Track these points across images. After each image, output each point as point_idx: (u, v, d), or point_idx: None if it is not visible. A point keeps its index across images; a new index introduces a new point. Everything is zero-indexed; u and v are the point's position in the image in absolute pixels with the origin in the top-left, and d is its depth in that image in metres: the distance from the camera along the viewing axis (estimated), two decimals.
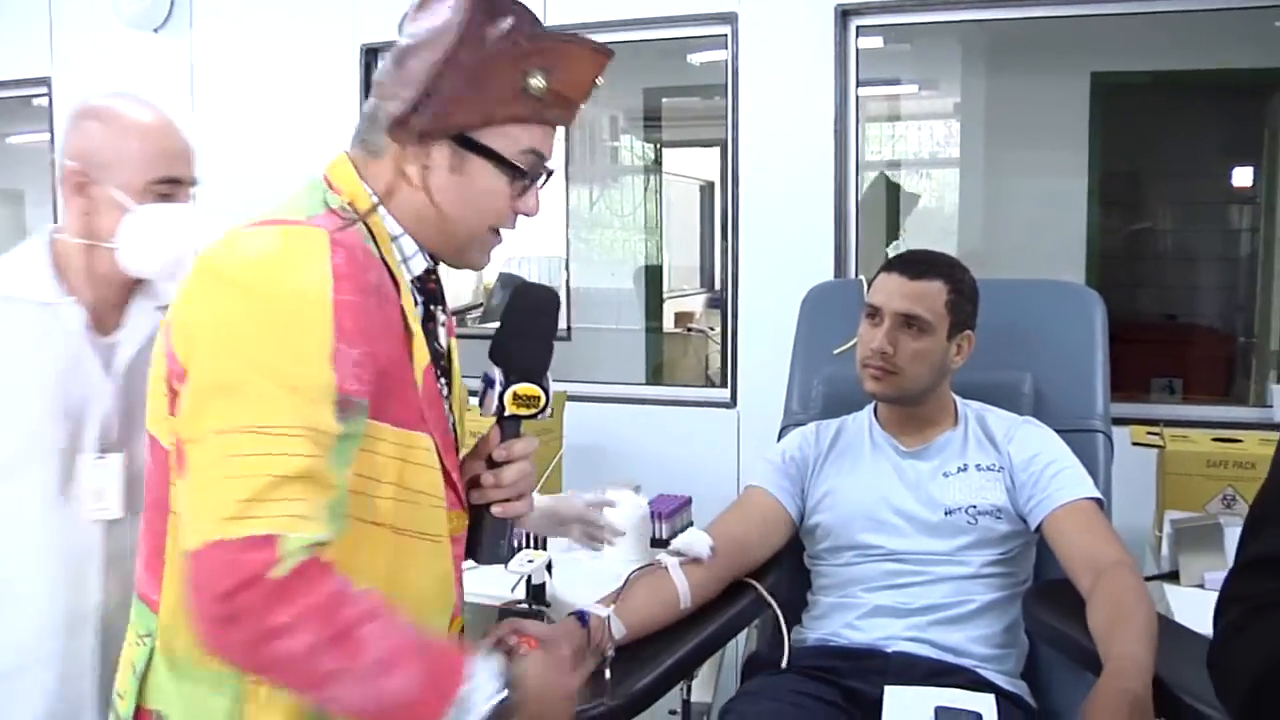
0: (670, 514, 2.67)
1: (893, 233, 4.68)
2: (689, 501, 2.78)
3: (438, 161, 1.14)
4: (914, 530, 1.82)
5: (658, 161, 5.82)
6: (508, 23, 1.12)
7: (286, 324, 1.02)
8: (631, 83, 5.29)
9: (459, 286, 6.44)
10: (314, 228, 1.07)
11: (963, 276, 1.89)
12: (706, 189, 6.56)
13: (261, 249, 1.06)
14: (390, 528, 1.13)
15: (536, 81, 1.11)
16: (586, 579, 2.17)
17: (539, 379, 1.24)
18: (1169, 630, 1.58)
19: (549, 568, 2.24)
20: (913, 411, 1.91)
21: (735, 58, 2.97)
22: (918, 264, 1.88)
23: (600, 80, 1.18)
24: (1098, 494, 1.78)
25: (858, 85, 2.93)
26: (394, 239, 1.18)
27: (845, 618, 1.81)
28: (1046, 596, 1.74)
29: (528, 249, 6.27)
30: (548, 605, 2.15)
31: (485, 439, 1.27)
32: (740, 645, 2.08)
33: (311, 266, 1.03)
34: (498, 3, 1.13)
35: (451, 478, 1.20)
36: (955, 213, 5.14)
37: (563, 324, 5.34)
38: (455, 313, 6.14)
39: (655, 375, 5.24)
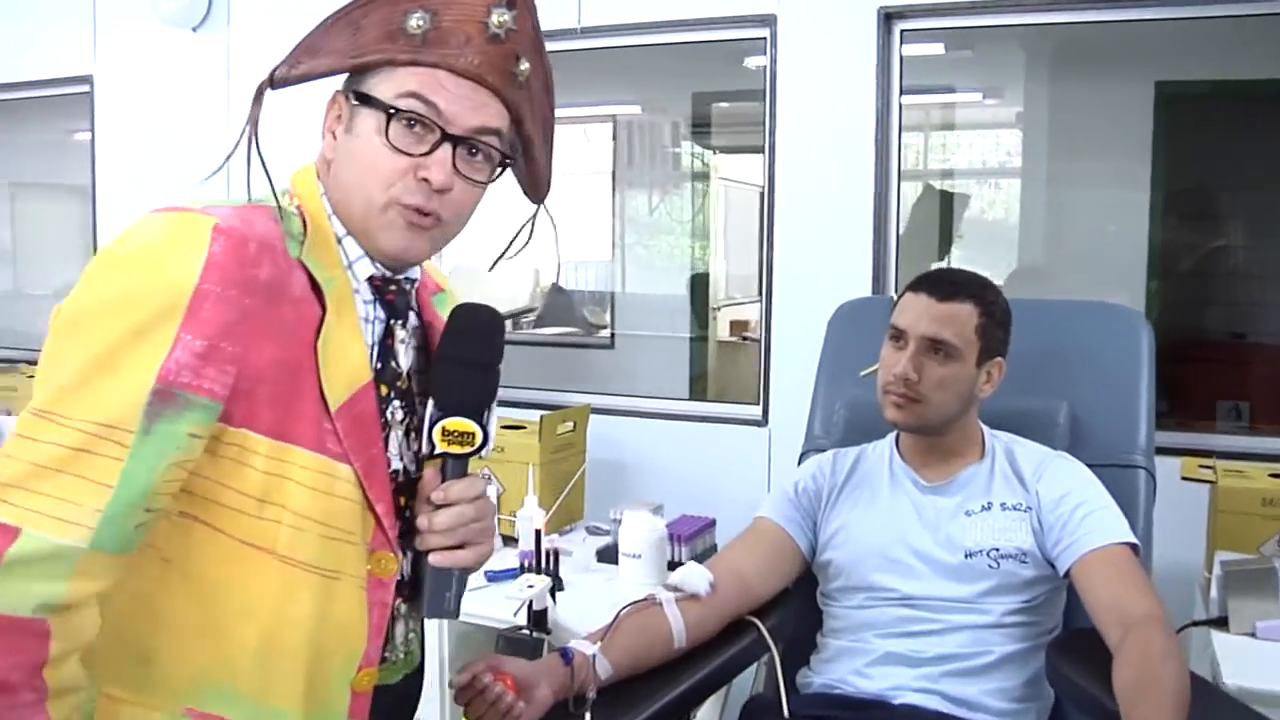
0: (691, 536, 2.56)
1: (945, 247, 4.52)
2: (712, 524, 2.67)
3: (339, 127, 1.09)
4: (931, 573, 1.70)
5: (705, 167, 5.72)
6: None
7: (125, 305, 0.96)
8: (681, 88, 5.19)
9: (515, 289, 6.41)
10: (202, 215, 1.00)
11: (995, 299, 1.76)
12: (765, 196, 6.42)
13: (140, 232, 1.00)
14: (273, 554, 1.02)
15: (417, 20, 1.04)
16: (596, 605, 2.07)
17: (475, 413, 1.11)
18: (1203, 693, 1.44)
19: (553, 593, 2.15)
20: (936, 442, 1.78)
21: (774, 61, 2.85)
22: (947, 284, 1.75)
23: (503, 15, 1.06)
24: (1133, 539, 1.63)
25: (901, 92, 2.80)
26: (339, 240, 1.11)
27: (854, 664, 1.69)
28: (1071, 648, 1.61)
29: (582, 253, 6.23)
30: (548, 632, 2.05)
31: (424, 478, 1.14)
32: (746, 687, 1.97)
33: (182, 252, 0.97)
34: None
35: (376, 510, 1.08)
36: (1015, 225, 4.97)
37: (605, 332, 5.32)
38: (506, 317, 6.19)
39: (697, 385, 5.13)
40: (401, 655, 1.18)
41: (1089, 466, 1.77)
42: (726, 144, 5.62)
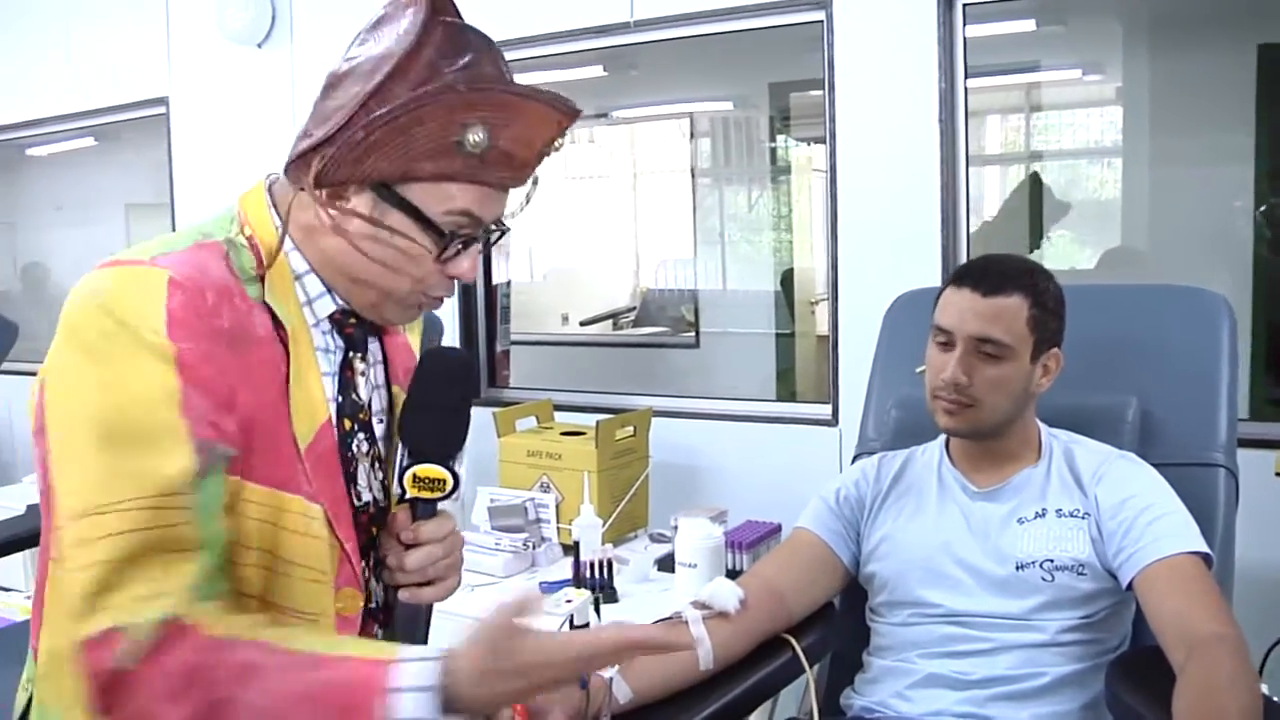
0: (753, 543, 2.47)
1: (1036, 237, 4.32)
2: (777, 529, 2.57)
3: (356, 207, 1.02)
4: (978, 587, 1.57)
5: (784, 158, 5.58)
6: (464, 60, 0.99)
7: (121, 376, 0.93)
8: (759, 79, 5.08)
9: (615, 289, 6.38)
10: (153, 268, 0.96)
11: (1045, 286, 1.61)
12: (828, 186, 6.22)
13: (93, 292, 0.96)
14: (259, 599, 1.02)
15: (475, 136, 0.98)
16: (649, 618, 1.99)
17: (445, 459, 1.10)
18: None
19: (596, 606, 2.07)
20: (990, 445, 1.65)
21: (831, 46, 2.73)
22: (991, 276, 1.59)
23: (560, 142, 1.03)
24: (1204, 548, 1.47)
25: (967, 74, 2.64)
26: (297, 277, 1.07)
27: (896, 685, 1.57)
28: (1133, 669, 1.45)
29: (673, 251, 6.16)
30: None
31: (394, 517, 1.15)
32: (792, 705, 1.86)
33: (145, 311, 0.94)
34: (460, 38, 1.00)
35: (347, 550, 1.07)
36: (1115, 208, 4.74)
37: (692, 332, 5.23)
38: (606, 317, 6.19)
39: (784, 382, 5.00)
40: None
41: (1161, 466, 1.61)
42: (812, 135, 5.48)
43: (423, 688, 0.86)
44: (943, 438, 1.73)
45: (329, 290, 1.08)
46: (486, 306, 3.43)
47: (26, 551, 2.74)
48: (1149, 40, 4.28)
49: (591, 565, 2.28)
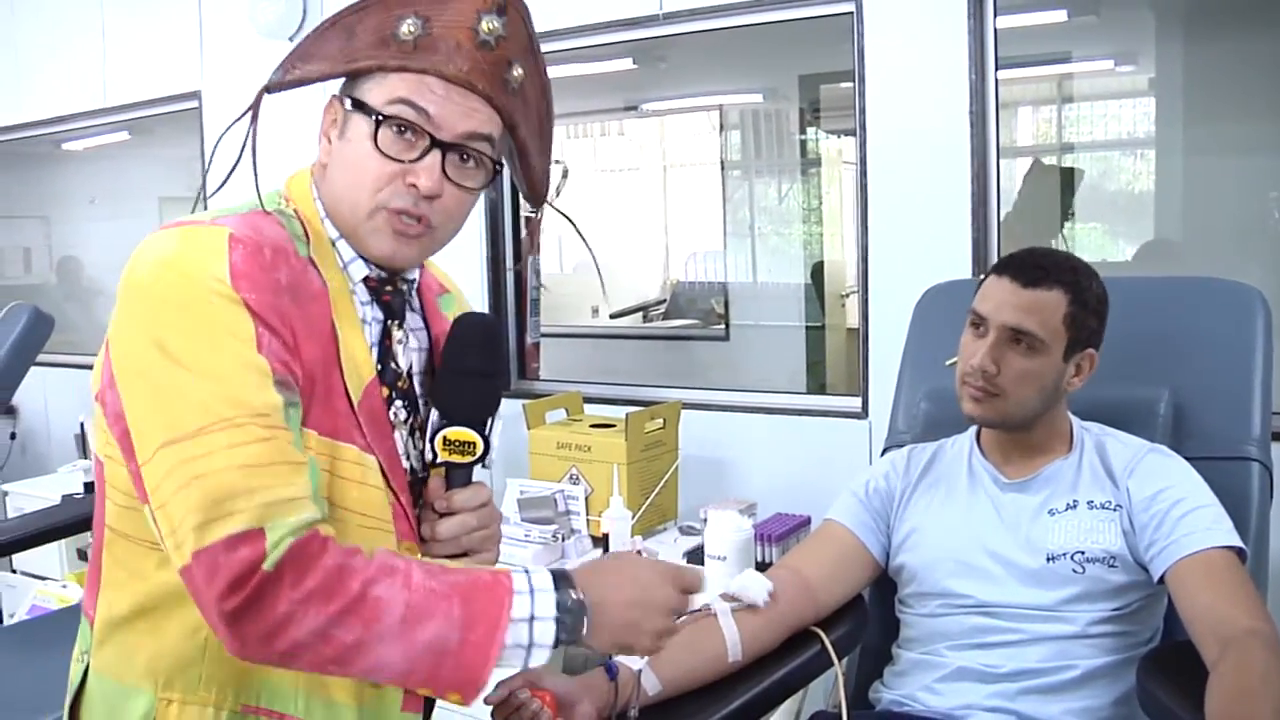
0: (782, 536, 2.47)
1: (1062, 225, 4.28)
2: (807, 521, 2.57)
3: (333, 131, 1.11)
4: (1009, 578, 1.56)
5: (814, 150, 5.56)
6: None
7: (200, 320, 0.97)
8: (788, 71, 5.06)
9: (645, 282, 6.39)
10: (214, 226, 1.01)
11: (1089, 284, 1.60)
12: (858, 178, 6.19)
13: (160, 252, 1.00)
14: None
15: (408, 26, 1.04)
16: None
17: (477, 423, 1.12)
18: None
19: None
20: (1020, 437, 1.64)
21: (860, 36, 2.71)
22: (1034, 268, 1.58)
23: (493, 22, 1.06)
24: (1238, 542, 1.46)
25: (997, 65, 2.62)
26: (333, 242, 1.12)
27: (925, 679, 1.57)
28: (1165, 663, 1.43)
29: (705, 244, 6.16)
30: None
31: (429, 485, 1.16)
32: (820, 698, 1.86)
33: (210, 264, 0.98)
34: None
35: (402, 503, 1.11)
36: (1149, 199, 4.70)
37: (722, 324, 5.22)
38: (636, 310, 6.19)
39: (814, 374, 4.98)
40: None
41: (1194, 460, 1.60)
42: (842, 127, 5.47)
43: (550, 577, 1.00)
44: (973, 430, 1.73)
45: (359, 254, 1.12)
46: (516, 298, 3.44)
47: (63, 541, 2.79)
48: (1183, 30, 4.23)
49: None
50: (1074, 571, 1.53)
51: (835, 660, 1.55)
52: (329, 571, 0.92)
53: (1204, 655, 1.35)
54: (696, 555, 2.47)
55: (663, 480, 2.72)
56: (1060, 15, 3.72)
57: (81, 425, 3.43)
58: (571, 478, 2.67)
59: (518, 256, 3.38)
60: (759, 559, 2.38)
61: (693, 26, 2.95)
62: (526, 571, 1.00)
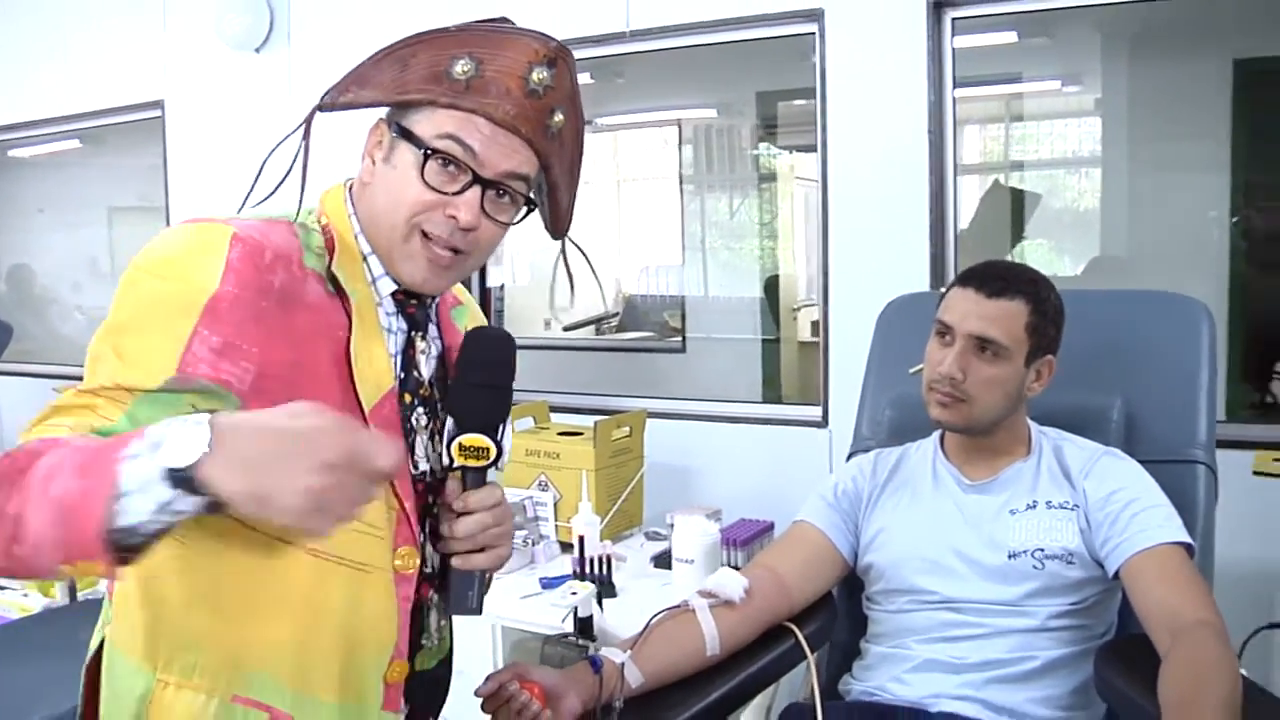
0: (747, 541, 2.54)
1: (1015, 244, 4.41)
2: (770, 527, 2.64)
3: (378, 153, 1.16)
4: (973, 575, 1.64)
5: (777, 168, 5.66)
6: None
7: (154, 306, 1.03)
8: (745, 87, 5.15)
9: (592, 298, 6.44)
10: (223, 224, 1.07)
11: (1047, 295, 1.68)
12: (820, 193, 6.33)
13: (167, 240, 1.08)
14: (302, 548, 1.09)
15: (462, 65, 1.10)
16: (647, 612, 2.05)
17: (490, 429, 1.18)
18: (1259, 702, 1.36)
19: (599, 599, 2.13)
20: (981, 441, 1.72)
21: (823, 57, 2.80)
22: (997, 279, 1.67)
23: (543, 73, 1.11)
24: (1186, 539, 1.55)
25: (955, 84, 2.72)
26: (365, 257, 1.17)
27: (894, 670, 1.64)
28: (1120, 654, 1.52)
29: (658, 258, 6.22)
30: (594, 639, 2.03)
31: (446, 487, 1.22)
32: (793, 691, 1.93)
33: (204, 257, 1.04)
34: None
35: (405, 506, 1.16)
36: (1095, 217, 4.83)
37: (677, 337, 5.30)
38: (589, 323, 6.25)
39: (770, 387, 5.08)
40: (436, 642, 1.27)
41: (1145, 463, 1.69)
42: (799, 143, 5.57)
43: (164, 440, 0.86)
44: (937, 434, 1.81)
45: (385, 271, 1.17)
46: (481, 310, 3.48)
47: None
48: (1128, 52, 4.36)
49: (591, 561, 2.34)
50: (1034, 568, 1.61)
51: (808, 653, 1.62)
52: (14, 456, 0.91)
53: (1157, 645, 1.43)
54: (663, 559, 2.53)
55: (629, 487, 2.78)
56: (1011, 36, 3.83)
57: None
58: (540, 484, 2.72)
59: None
60: (725, 562, 2.44)
61: (660, 44, 3.03)
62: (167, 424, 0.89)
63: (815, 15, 2.79)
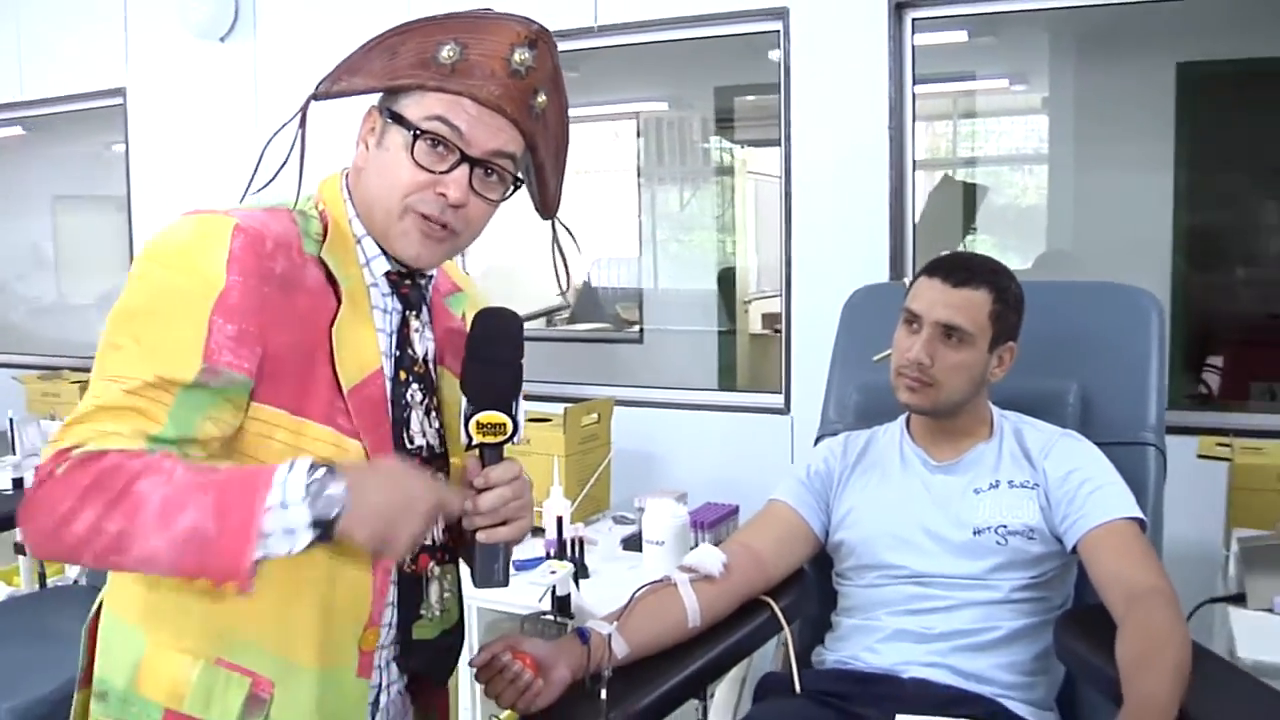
0: (714, 523, 2.62)
1: (966, 232, 4.52)
2: (735, 511, 2.72)
3: (371, 139, 1.21)
4: (940, 550, 1.73)
5: (733, 161, 5.75)
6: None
7: (170, 297, 1.10)
8: (702, 82, 5.22)
9: (550, 287, 6.45)
10: (224, 216, 1.13)
11: (1009, 285, 1.78)
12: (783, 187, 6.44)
13: (172, 232, 1.14)
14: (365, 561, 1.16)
15: (448, 51, 1.16)
16: (620, 591, 2.11)
17: (505, 406, 1.22)
18: (1204, 662, 1.45)
19: (576, 579, 2.20)
20: (946, 423, 1.81)
21: (787, 54, 2.89)
22: (961, 270, 1.76)
23: (524, 54, 1.17)
24: (1139, 514, 1.65)
25: (915, 81, 2.82)
26: (358, 240, 1.22)
27: (866, 640, 1.72)
28: (1079, 622, 1.63)
29: (611, 250, 6.28)
30: (572, 617, 2.09)
31: (465, 465, 1.27)
32: (767, 664, 2.01)
33: (209, 248, 1.10)
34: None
35: None
36: (1042, 211, 4.96)
37: (635, 327, 5.37)
38: (541, 314, 6.30)
39: (726, 378, 5.16)
40: (438, 613, 1.31)
41: (1100, 445, 1.78)
42: (753, 137, 5.65)
43: (308, 472, 1.03)
44: (903, 417, 1.89)
45: (382, 251, 1.22)
46: None
47: None
48: (1075, 52, 4.49)
49: (564, 544, 2.40)
50: (997, 543, 1.70)
51: (784, 624, 1.70)
52: (102, 471, 1.01)
53: (1113, 612, 1.53)
54: (633, 542, 2.60)
55: (597, 472, 2.84)
56: (961, 35, 3.94)
57: (11, 422, 3.39)
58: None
59: None
60: (693, 545, 2.51)
61: (626, 39, 3.09)
62: (293, 463, 1.05)
63: (780, 14, 2.87)
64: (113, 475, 1.01)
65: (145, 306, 1.11)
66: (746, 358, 5.44)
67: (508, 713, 2.24)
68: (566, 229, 1.39)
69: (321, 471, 1.03)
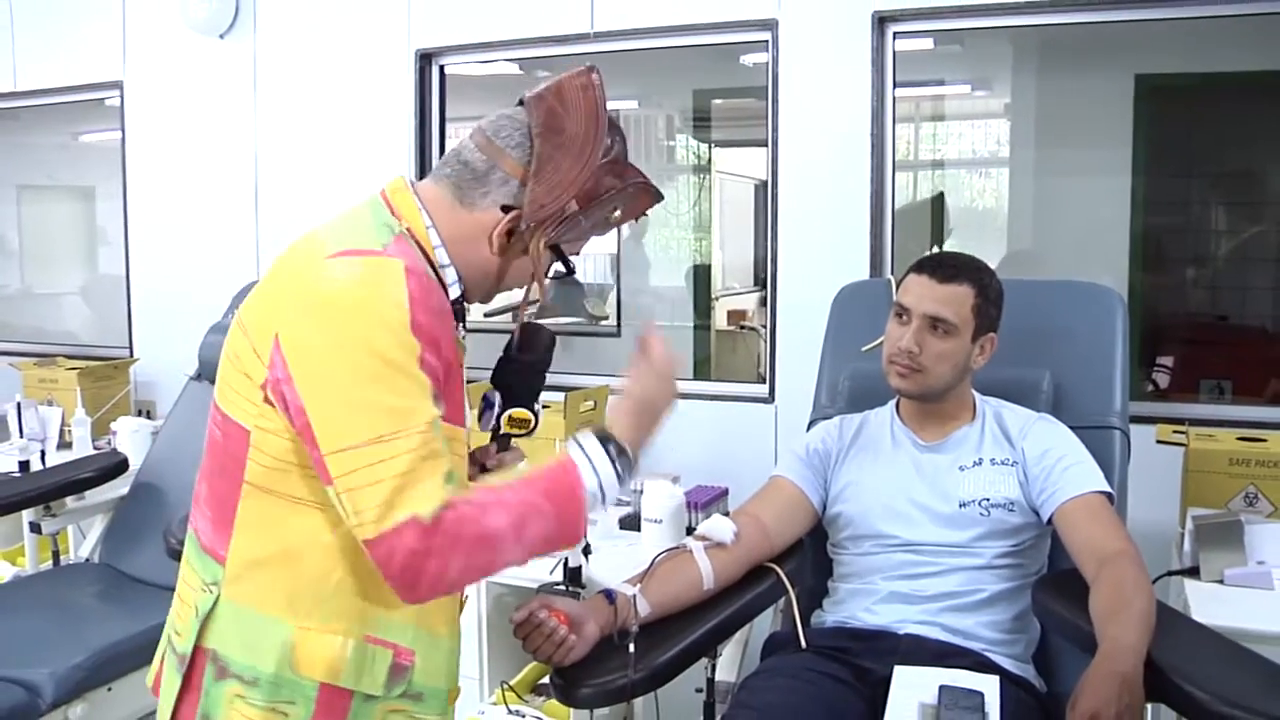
0: (706, 504, 2.77)
1: (937, 238, 4.72)
2: (725, 492, 2.88)
3: (526, 245, 1.35)
4: (929, 521, 1.90)
5: (708, 161, 5.91)
6: (620, 148, 1.37)
7: (385, 344, 1.20)
8: (681, 84, 5.37)
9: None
10: (391, 258, 1.23)
11: (990, 281, 1.95)
12: (761, 188, 6.59)
13: (352, 278, 1.22)
14: None
15: (616, 215, 1.36)
16: (622, 563, 2.28)
17: (531, 404, 1.44)
18: (1168, 618, 1.65)
19: (585, 551, 2.35)
20: (933, 407, 1.99)
21: (775, 63, 3.05)
22: (947, 267, 1.93)
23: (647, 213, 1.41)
24: (1108, 488, 1.84)
25: (895, 89, 2.99)
26: (442, 267, 1.34)
27: (863, 602, 1.90)
28: (1054, 585, 1.82)
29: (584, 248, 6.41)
30: (583, 587, 2.25)
31: (482, 450, 1.48)
32: (766, 628, 2.17)
33: (395, 293, 1.21)
34: (615, 128, 1.37)
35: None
36: (998, 214, 5.15)
37: (611, 320, 5.52)
38: (510, 309, 6.40)
39: (700, 370, 5.33)
40: None
41: (1070, 428, 1.97)
42: (723, 138, 5.81)
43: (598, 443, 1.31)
44: (893, 402, 2.07)
45: (459, 279, 1.36)
46: None
47: None
48: (1036, 62, 4.67)
49: None
50: (980, 515, 1.88)
51: (789, 587, 1.87)
52: (454, 522, 1.17)
53: (1085, 573, 1.72)
54: (629, 522, 2.75)
55: None
56: (927, 43, 4.11)
57: (18, 406, 3.48)
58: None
59: None
60: (688, 523, 2.67)
61: (622, 45, 3.23)
62: (581, 446, 1.31)
63: (769, 25, 3.03)
64: (465, 526, 1.19)
65: (373, 369, 1.19)
66: (715, 352, 5.62)
67: (518, 678, 2.40)
68: None
69: (614, 449, 1.31)
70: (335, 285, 1.22)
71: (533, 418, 1.45)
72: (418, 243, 1.31)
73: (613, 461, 1.30)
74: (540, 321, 1.52)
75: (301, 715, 1.27)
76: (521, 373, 1.44)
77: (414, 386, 1.20)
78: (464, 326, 1.42)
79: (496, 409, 1.43)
